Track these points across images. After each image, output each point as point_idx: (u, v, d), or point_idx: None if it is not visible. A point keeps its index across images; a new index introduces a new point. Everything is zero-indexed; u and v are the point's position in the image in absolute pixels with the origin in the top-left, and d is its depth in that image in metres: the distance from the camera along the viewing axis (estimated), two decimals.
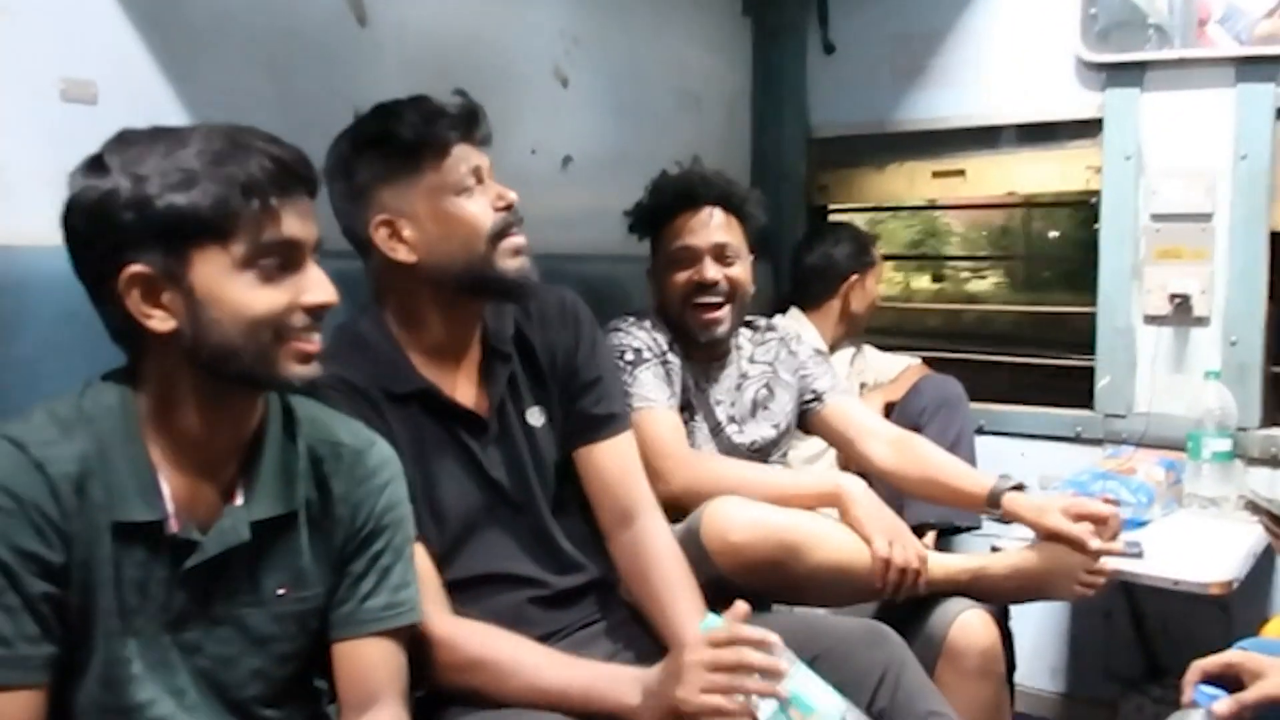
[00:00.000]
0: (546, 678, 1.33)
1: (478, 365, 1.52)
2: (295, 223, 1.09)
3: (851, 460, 2.11)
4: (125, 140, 1.07)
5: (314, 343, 1.11)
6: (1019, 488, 1.82)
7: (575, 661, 1.38)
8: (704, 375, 2.00)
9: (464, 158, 1.43)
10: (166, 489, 1.10)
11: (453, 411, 1.47)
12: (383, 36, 1.88)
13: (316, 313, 1.11)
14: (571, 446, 1.58)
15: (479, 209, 1.43)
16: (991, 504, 1.83)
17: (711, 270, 1.93)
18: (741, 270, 1.97)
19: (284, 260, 1.08)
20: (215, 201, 1.04)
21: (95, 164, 1.06)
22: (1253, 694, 1.27)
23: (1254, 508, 1.95)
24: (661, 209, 1.99)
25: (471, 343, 1.51)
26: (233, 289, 1.06)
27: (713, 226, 1.95)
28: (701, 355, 2.00)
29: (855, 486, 1.77)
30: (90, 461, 1.07)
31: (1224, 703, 1.28)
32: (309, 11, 1.77)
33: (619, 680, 1.34)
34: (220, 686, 1.15)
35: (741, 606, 1.31)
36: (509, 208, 1.45)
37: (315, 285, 1.10)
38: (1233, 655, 1.36)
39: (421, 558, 1.35)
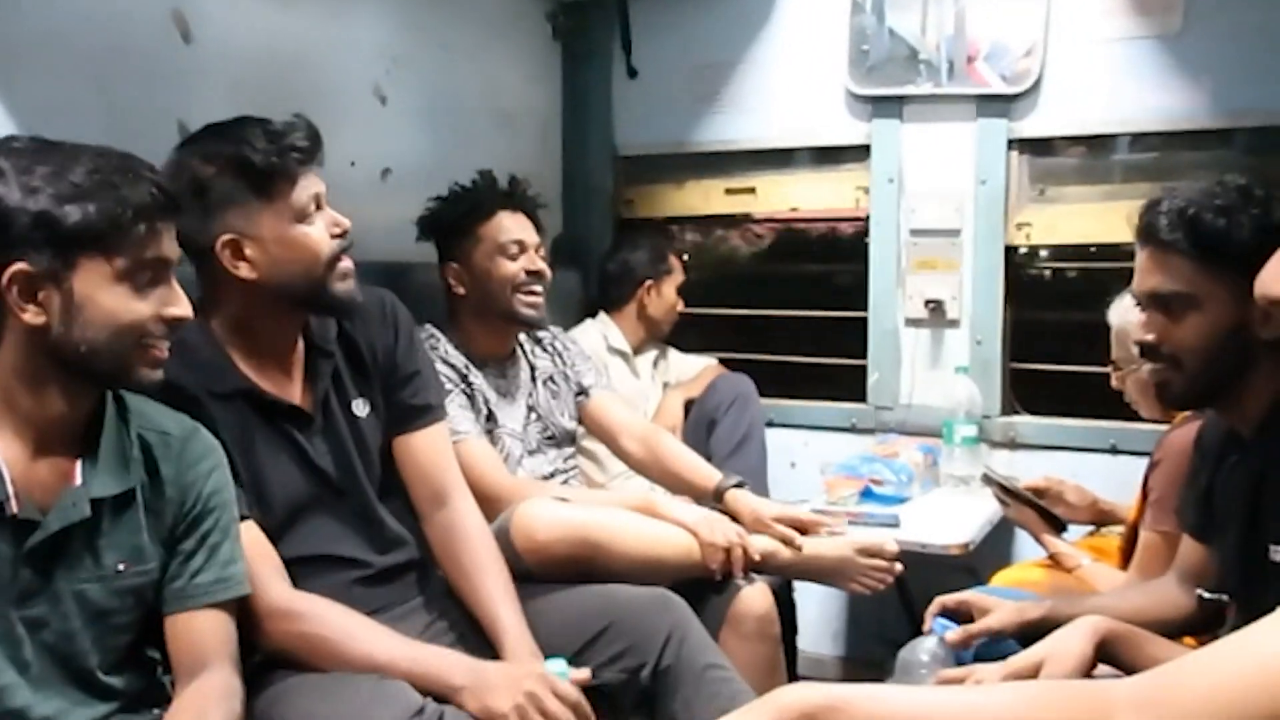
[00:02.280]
0: (378, 650, 1.46)
1: (302, 364, 1.62)
2: (169, 244, 1.22)
3: (615, 454, 2.33)
4: (12, 149, 1.17)
5: (164, 350, 1.25)
6: (740, 485, 2.07)
7: (405, 639, 1.51)
8: (500, 376, 2.17)
9: (307, 186, 1.51)
10: (6, 472, 1.19)
11: (275, 407, 1.57)
12: (207, 54, 1.96)
13: (173, 324, 1.24)
14: (391, 435, 1.71)
15: (319, 235, 1.52)
16: (716, 498, 2.07)
17: (540, 262, 2.14)
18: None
19: (154, 275, 1.21)
20: (109, 219, 1.15)
21: None
22: (978, 626, 1.53)
23: (987, 480, 2.27)
24: (483, 206, 2.14)
25: (296, 344, 1.62)
26: (108, 297, 1.18)
27: (528, 227, 2.17)
28: (492, 359, 2.16)
29: (662, 495, 2.01)
30: None
31: (954, 632, 1.53)
32: (134, 28, 1.84)
33: (446, 661, 1.48)
34: (64, 658, 1.24)
35: (585, 673, 1.54)
36: (343, 234, 1.55)
37: (176, 299, 1.24)
38: (968, 594, 1.63)
39: (255, 534, 1.47)
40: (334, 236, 1.54)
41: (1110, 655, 1.33)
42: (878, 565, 1.99)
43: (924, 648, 1.56)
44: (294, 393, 1.60)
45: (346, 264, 1.56)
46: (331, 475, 1.61)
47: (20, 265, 1.15)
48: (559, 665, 1.52)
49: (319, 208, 1.54)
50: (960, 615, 1.61)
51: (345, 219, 1.56)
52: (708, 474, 2.14)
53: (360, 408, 1.67)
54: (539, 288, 2.14)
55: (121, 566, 1.28)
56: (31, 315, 1.17)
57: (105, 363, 1.20)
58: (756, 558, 1.91)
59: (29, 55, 1.67)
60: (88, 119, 1.72)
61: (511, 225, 2.14)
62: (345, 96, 2.32)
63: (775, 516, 2.00)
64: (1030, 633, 1.48)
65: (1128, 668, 1.31)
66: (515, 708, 1.42)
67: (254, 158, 1.47)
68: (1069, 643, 1.31)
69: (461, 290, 2.15)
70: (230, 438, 1.47)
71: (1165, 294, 1.38)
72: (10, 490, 1.19)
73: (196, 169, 1.49)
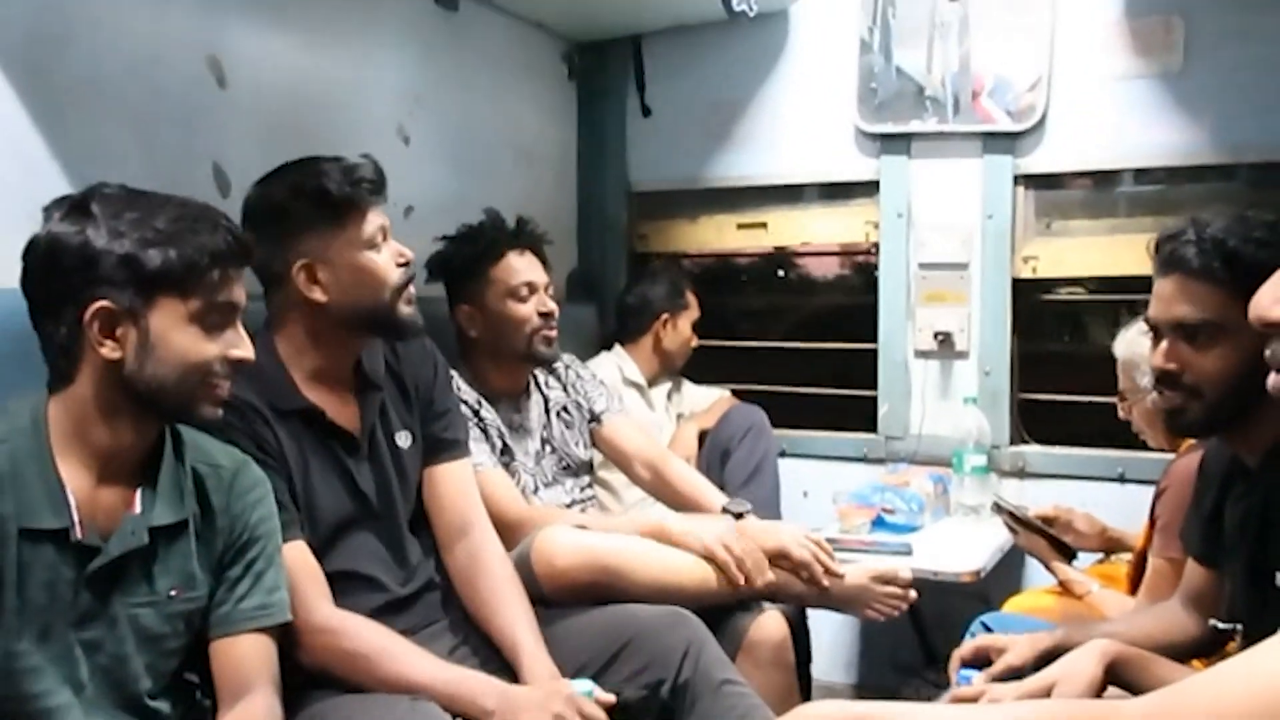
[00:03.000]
0: (414, 671, 1.51)
1: (353, 392, 1.71)
2: (239, 290, 1.31)
3: (629, 478, 2.37)
4: (104, 195, 1.25)
5: (225, 388, 1.32)
6: (740, 516, 2.09)
7: (439, 661, 1.56)
8: (514, 411, 2.22)
9: (375, 218, 1.64)
10: (73, 499, 1.25)
11: (331, 429, 1.65)
12: (241, 97, 2.03)
13: (236, 365, 1.32)
14: (421, 466, 1.78)
15: (386, 263, 1.64)
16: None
17: (550, 302, 2.19)
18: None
19: (223, 319, 1.29)
20: (187, 264, 1.24)
21: (78, 209, 1.23)
22: (998, 668, 1.55)
23: (997, 508, 2.31)
24: (492, 248, 2.18)
25: (349, 373, 1.71)
26: (181, 337, 1.26)
27: (536, 266, 2.21)
28: (506, 395, 2.21)
29: (673, 517, 2.03)
30: (3, 478, 1.21)
31: (977, 680, 1.55)
32: (173, 73, 1.91)
33: (479, 685, 1.53)
34: (117, 681, 1.29)
35: (610, 698, 1.56)
36: (407, 264, 1.66)
37: (242, 343, 1.32)
38: (979, 640, 1.65)
39: (305, 555, 1.53)
40: (399, 265, 1.65)
41: (1119, 678, 1.36)
42: (892, 592, 2.03)
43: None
44: (347, 418, 1.68)
45: (411, 290, 1.67)
46: (372, 501, 1.68)
47: (103, 303, 1.22)
48: (584, 685, 1.55)
49: (385, 239, 1.65)
50: (979, 660, 1.63)
51: (409, 251, 1.67)
52: (712, 500, 2.17)
53: (403, 439, 1.74)
54: (553, 325, 2.19)
55: (174, 592, 1.33)
56: (109, 350, 1.24)
57: (172, 398, 1.27)
58: (769, 576, 1.95)
59: (74, 100, 1.74)
60: (128, 161, 1.80)
61: (521, 266, 2.18)
62: (371, 136, 2.37)
63: (772, 548, 1.99)
64: (1044, 662, 1.50)
65: (1136, 689, 1.33)
66: None
67: (330, 187, 1.59)
68: (1080, 665, 1.35)
69: (474, 332, 2.19)
70: (289, 453, 1.57)
71: (1193, 323, 1.38)
72: (75, 517, 1.24)
73: (277, 197, 1.63)
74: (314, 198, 1.60)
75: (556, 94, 3.14)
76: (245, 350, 1.32)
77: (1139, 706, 0.87)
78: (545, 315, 2.17)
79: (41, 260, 1.24)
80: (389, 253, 1.65)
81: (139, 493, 1.31)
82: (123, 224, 1.23)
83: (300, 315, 1.64)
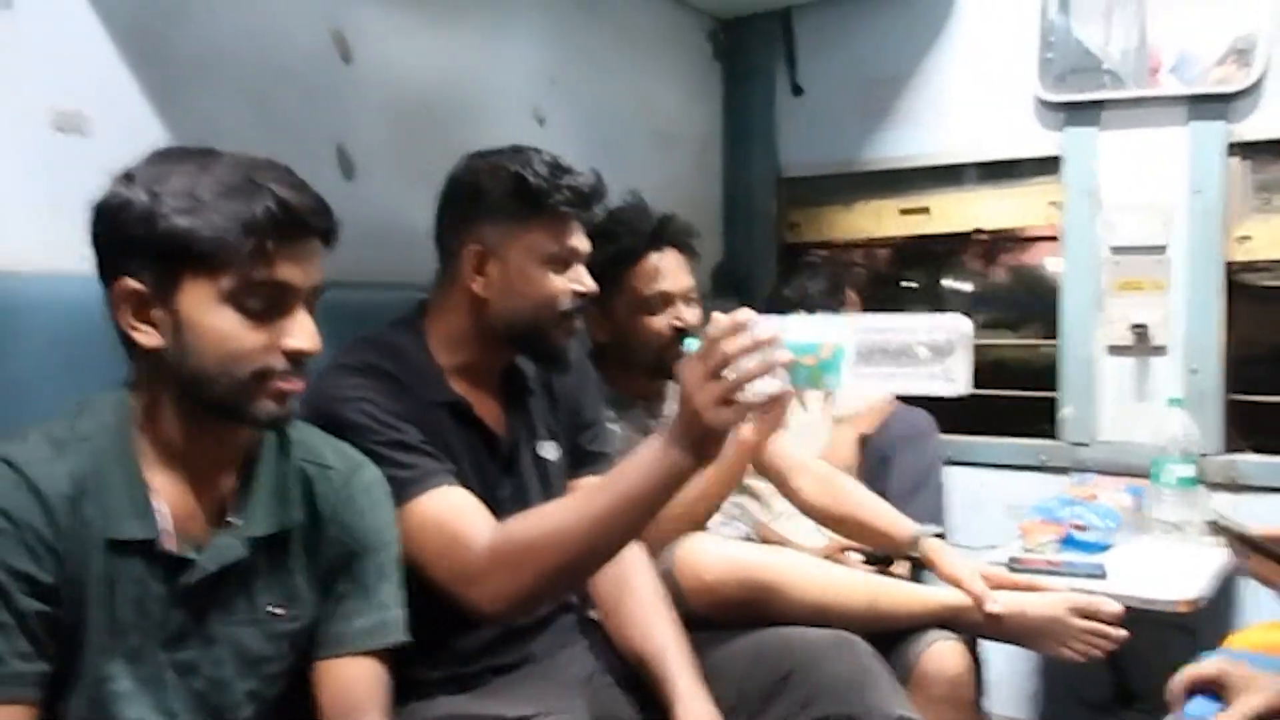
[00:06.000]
0: (593, 509, 1.24)
1: (502, 394, 1.57)
2: (291, 268, 1.09)
3: (783, 494, 2.11)
4: (160, 157, 1.10)
5: (293, 383, 1.12)
6: (940, 536, 1.89)
7: (599, 489, 1.26)
8: (649, 416, 1.99)
9: (570, 235, 1.50)
10: (161, 506, 1.11)
11: (478, 427, 1.51)
12: (366, 73, 1.91)
13: (296, 357, 1.11)
14: (564, 480, 1.62)
15: (561, 287, 1.49)
16: (912, 547, 1.89)
17: (688, 314, 1.94)
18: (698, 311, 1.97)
19: (271, 302, 1.09)
20: (212, 233, 1.04)
21: (127, 175, 1.08)
22: (1236, 713, 1.28)
23: (1217, 529, 1.98)
24: (630, 251, 1.94)
25: (498, 375, 1.57)
26: (214, 320, 1.07)
27: (679, 269, 1.96)
28: (640, 399, 1.99)
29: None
30: (84, 480, 1.08)
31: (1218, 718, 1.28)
32: (296, 48, 1.79)
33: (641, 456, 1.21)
34: (214, 709, 1.15)
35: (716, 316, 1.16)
36: (584, 296, 1.52)
37: (299, 331, 1.11)
38: (1222, 664, 1.37)
39: (463, 495, 1.37)
40: (576, 295, 1.51)
41: None
42: (1095, 629, 1.75)
43: None
44: (493, 418, 1.54)
45: (575, 324, 1.55)
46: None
47: (129, 282, 1.06)
48: (689, 343, 1.16)
49: (573, 264, 1.51)
50: (1209, 691, 1.35)
51: (593, 284, 1.54)
52: (900, 522, 1.93)
53: (549, 450, 1.60)
54: None
55: (279, 610, 1.18)
56: (144, 336, 1.08)
57: (217, 392, 1.09)
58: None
59: (191, 74, 1.64)
60: (248, 138, 1.66)
61: (659, 270, 1.93)
62: (504, 117, 2.24)
63: (982, 572, 1.82)
64: None
65: None
66: (713, 410, 1.10)
67: (529, 177, 1.46)
68: None
69: (602, 337, 1.98)
70: (433, 439, 1.41)
71: None
72: (163, 525, 1.11)
73: (476, 170, 1.52)
74: (509, 183, 1.47)
75: (700, 74, 2.95)
76: (301, 340, 1.10)
77: None
78: (681, 331, 1.93)
79: (91, 236, 1.10)
80: (570, 276, 1.51)
81: (237, 498, 1.16)
82: (161, 187, 1.05)
83: (459, 304, 1.50)
